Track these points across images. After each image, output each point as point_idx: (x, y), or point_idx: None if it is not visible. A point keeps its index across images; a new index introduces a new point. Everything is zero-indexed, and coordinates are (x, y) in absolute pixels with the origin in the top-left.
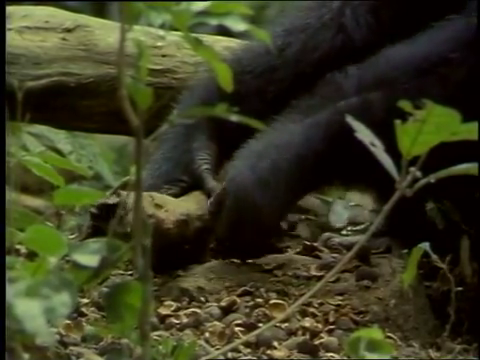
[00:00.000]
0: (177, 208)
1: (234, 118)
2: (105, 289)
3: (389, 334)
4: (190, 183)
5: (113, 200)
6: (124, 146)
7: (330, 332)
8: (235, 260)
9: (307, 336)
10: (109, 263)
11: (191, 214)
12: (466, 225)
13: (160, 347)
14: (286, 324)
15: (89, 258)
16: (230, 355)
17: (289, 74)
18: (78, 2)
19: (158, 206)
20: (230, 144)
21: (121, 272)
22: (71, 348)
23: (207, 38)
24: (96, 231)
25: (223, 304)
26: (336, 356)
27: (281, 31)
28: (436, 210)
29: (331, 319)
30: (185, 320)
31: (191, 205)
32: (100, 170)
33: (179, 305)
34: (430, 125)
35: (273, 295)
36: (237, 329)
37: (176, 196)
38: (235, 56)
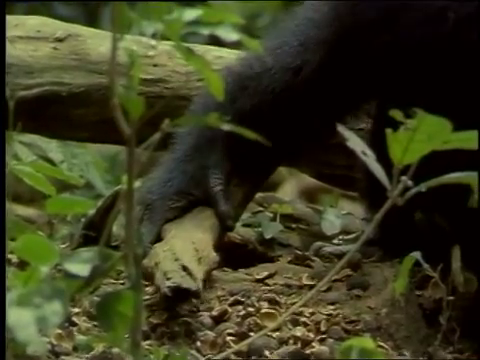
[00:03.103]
0: (209, 253)
1: (226, 127)
2: (97, 298)
3: (381, 343)
4: (199, 198)
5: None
6: (116, 155)
7: (322, 341)
8: (227, 269)
9: (299, 345)
10: (101, 272)
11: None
12: (457, 234)
13: (151, 356)
14: (277, 333)
15: (81, 267)
16: None
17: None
18: (70, 12)
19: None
20: (244, 162)
21: (113, 281)
22: (62, 357)
23: (199, 48)
24: (88, 240)
25: (214, 313)
26: None
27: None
28: (425, 219)
29: (323, 328)
30: (177, 329)
31: (208, 236)
32: (92, 179)
33: (171, 314)
34: (421, 134)
35: (264, 304)
36: (229, 338)
37: (183, 209)
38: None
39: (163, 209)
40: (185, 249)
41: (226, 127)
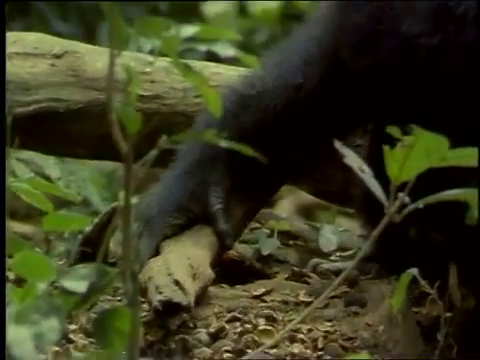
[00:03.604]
0: (205, 269)
1: (225, 144)
2: (94, 315)
3: None
4: (199, 215)
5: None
6: (113, 171)
7: (319, 358)
8: (224, 285)
9: None
10: (98, 289)
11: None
12: (453, 251)
13: None
14: (275, 350)
15: (77, 284)
16: None
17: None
18: (68, 28)
19: (192, 276)
20: (245, 181)
21: (110, 298)
22: None
23: (196, 64)
24: (85, 256)
25: (212, 330)
26: None
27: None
28: (421, 236)
29: (320, 345)
30: (173, 346)
31: (206, 253)
32: (89, 196)
33: (168, 331)
34: (418, 150)
35: (262, 321)
36: (226, 355)
37: (183, 226)
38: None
39: (162, 225)
40: (179, 264)
41: (224, 144)
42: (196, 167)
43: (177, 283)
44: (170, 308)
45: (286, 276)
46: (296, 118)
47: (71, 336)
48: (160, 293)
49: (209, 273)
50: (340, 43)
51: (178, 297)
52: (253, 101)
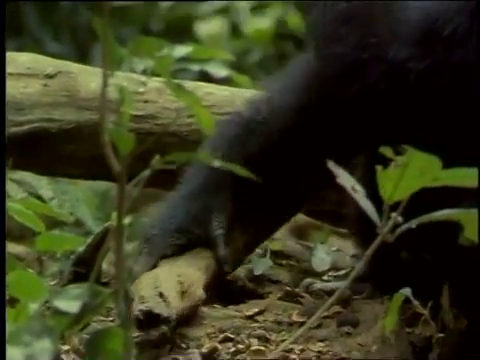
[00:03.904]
0: (196, 289)
1: (217, 164)
2: (86, 335)
3: None
4: (200, 238)
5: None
6: (106, 192)
7: None
8: (216, 306)
9: None
10: (90, 309)
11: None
12: (446, 271)
13: None
14: None
15: (70, 304)
16: None
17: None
18: (61, 48)
19: (182, 293)
20: (249, 209)
21: (102, 318)
22: None
23: (189, 84)
24: (77, 277)
25: (204, 350)
26: None
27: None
28: (414, 256)
29: None
30: None
31: (200, 275)
32: (82, 216)
33: (160, 351)
34: (411, 170)
35: (254, 341)
36: None
37: (183, 247)
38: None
39: (162, 245)
40: (168, 279)
41: (216, 164)
42: (201, 191)
43: (161, 295)
44: (151, 319)
45: (279, 296)
46: (301, 144)
47: (63, 357)
48: (143, 303)
49: (200, 293)
50: (323, 74)
51: (160, 308)
52: (259, 126)
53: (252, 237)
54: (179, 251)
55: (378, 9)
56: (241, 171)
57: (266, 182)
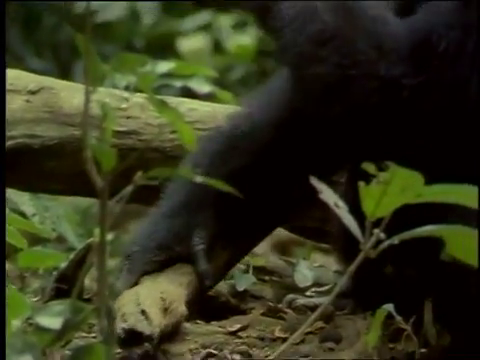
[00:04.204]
0: (178, 305)
1: (199, 179)
2: (68, 352)
3: None
4: (181, 254)
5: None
6: (88, 208)
7: None
8: (199, 322)
9: None
10: (72, 325)
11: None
12: (429, 287)
13: None
14: None
15: (52, 320)
16: None
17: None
18: (43, 65)
19: (164, 310)
20: (231, 225)
21: (85, 335)
22: None
23: (172, 100)
24: (59, 293)
25: None
26: None
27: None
28: (397, 271)
29: None
30: None
31: (182, 291)
32: (64, 232)
33: None
34: (394, 187)
35: (237, 357)
36: None
37: (164, 263)
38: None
39: (143, 261)
40: (150, 296)
41: (199, 179)
42: (182, 207)
43: (143, 312)
44: (133, 337)
45: (262, 312)
46: (281, 159)
47: None
48: (125, 321)
49: (182, 310)
50: (304, 95)
51: (142, 326)
52: (240, 142)
53: (233, 252)
54: (160, 267)
55: (357, 28)
56: (223, 186)
57: (248, 198)
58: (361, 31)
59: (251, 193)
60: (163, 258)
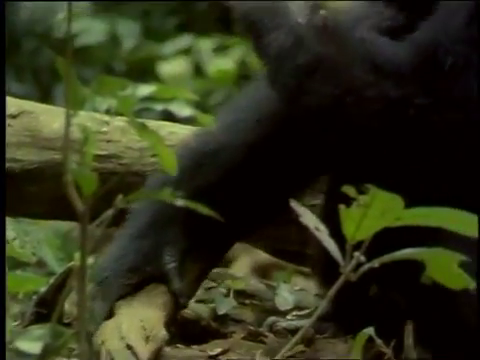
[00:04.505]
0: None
1: (180, 203)
2: None
3: None
4: (153, 274)
5: None
6: (68, 232)
7: None
8: (180, 346)
9: None
10: (52, 350)
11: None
12: (411, 310)
13: None
14: None
15: (32, 345)
16: None
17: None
18: (23, 88)
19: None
20: (200, 240)
21: (64, 359)
22: None
23: (152, 123)
24: (39, 318)
25: None
26: None
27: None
28: (380, 294)
29: None
30: None
31: (160, 314)
32: (44, 256)
33: None
34: (374, 210)
35: None
36: None
37: (137, 286)
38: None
39: (116, 286)
40: (132, 326)
41: (180, 203)
42: (150, 227)
43: (129, 348)
44: None
45: (242, 336)
46: (250, 176)
47: None
48: (112, 359)
49: (163, 334)
50: (301, 116)
51: None
52: (207, 159)
53: (204, 267)
54: (134, 290)
55: (348, 53)
56: (194, 205)
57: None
58: (353, 55)
59: (218, 209)
60: (136, 281)
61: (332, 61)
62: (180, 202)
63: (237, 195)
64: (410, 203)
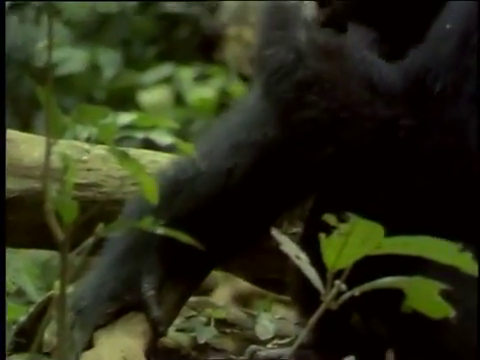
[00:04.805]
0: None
1: (160, 231)
2: None
3: None
4: (132, 303)
5: None
6: (48, 261)
7: None
8: None
9: None
10: None
11: None
12: (392, 338)
13: None
14: None
15: None
16: None
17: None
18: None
19: None
20: (178, 267)
21: None
22: None
23: (133, 151)
24: (19, 347)
25: None
26: None
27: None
28: (361, 322)
29: None
30: None
31: (139, 342)
32: (23, 285)
33: None
34: (355, 238)
35: None
36: None
37: (116, 314)
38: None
39: (94, 315)
40: (113, 357)
41: (160, 231)
42: (128, 255)
43: None
44: None
45: None
46: (228, 203)
47: None
48: None
49: None
50: (287, 139)
51: None
52: (185, 187)
53: (182, 293)
54: (112, 318)
55: (345, 70)
56: (172, 233)
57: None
58: (351, 73)
59: (196, 236)
60: (115, 309)
61: (330, 76)
62: (160, 230)
63: (215, 222)
64: (395, 227)
